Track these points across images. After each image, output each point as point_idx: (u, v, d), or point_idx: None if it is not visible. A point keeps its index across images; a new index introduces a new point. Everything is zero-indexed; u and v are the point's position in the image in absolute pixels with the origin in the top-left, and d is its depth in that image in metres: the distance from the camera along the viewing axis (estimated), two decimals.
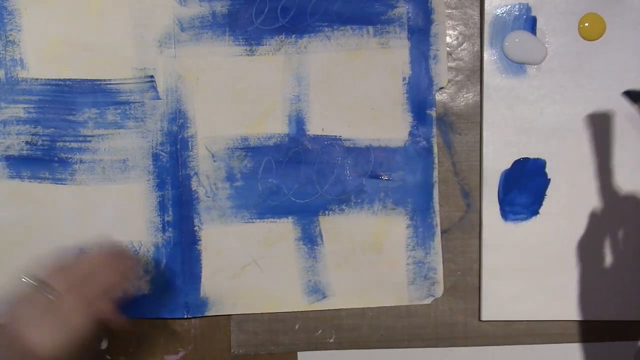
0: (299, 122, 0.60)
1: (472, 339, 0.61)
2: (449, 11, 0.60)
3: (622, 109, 0.59)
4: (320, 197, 0.60)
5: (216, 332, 0.61)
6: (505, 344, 0.61)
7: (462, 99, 0.60)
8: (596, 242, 0.60)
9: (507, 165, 0.60)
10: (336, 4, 0.59)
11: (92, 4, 0.59)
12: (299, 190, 0.60)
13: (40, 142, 0.60)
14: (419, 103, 0.60)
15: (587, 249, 0.60)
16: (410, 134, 0.60)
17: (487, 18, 0.59)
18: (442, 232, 0.60)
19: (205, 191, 0.60)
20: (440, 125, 0.60)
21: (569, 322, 0.61)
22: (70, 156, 0.60)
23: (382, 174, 0.60)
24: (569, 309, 0.60)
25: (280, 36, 0.59)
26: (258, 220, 0.60)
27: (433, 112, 0.60)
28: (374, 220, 0.60)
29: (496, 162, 0.60)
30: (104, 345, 0.61)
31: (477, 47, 0.60)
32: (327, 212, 0.60)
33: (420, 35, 0.59)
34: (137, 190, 0.60)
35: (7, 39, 0.59)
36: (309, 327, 0.61)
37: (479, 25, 0.60)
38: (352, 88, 0.60)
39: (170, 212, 0.60)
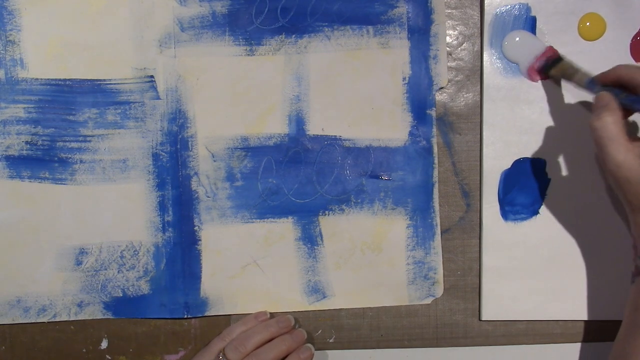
0: (299, 122, 0.60)
1: (472, 339, 0.61)
2: (449, 11, 0.60)
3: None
4: (320, 197, 0.60)
5: (216, 332, 0.60)
6: (505, 344, 0.61)
7: (462, 99, 0.60)
8: (596, 241, 0.60)
9: (507, 165, 0.60)
10: (336, 4, 0.59)
11: (92, 4, 0.59)
12: (299, 190, 0.60)
13: (40, 142, 0.60)
14: (419, 103, 0.60)
15: (587, 248, 0.60)
16: (410, 134, 0.60)
17: (487, 18, 0.59)
18: (442, 232, 0.60)
19: (205, 191, 0.60)
20: (440, 125, 0.60)
21: (569, 322, 0.61)
22: (70, 156, 0.60)
23: (382, 174, 0.60)
24: (569, 309, 0.60)
25: (280, 36, 0.59)
26: (258, 220, 0.60)
27: (433, 112, 0.60)
28: (374, 220, 0.60)
29: (496, 162, 0.60)
30: (104, 345, 0.61)
31: (477, 47, 0.60)
32: (327, 212, 0.60)
33: (420, 35, 0.59)
34: (137, 190, 0.60)
35: (7, 39, 0.59)
36: (309, 327, 0.61)
37: (479, 25, 0.60)
38: (352, 88, 0.60)
39: (170, 212, 0.60)
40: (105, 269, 0.60)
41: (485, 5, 0.59)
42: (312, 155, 0.60)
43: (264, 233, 0.60)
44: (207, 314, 0.61)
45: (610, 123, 0.50)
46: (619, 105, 0.51)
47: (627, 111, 0.52)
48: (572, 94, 0.59)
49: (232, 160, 0.60)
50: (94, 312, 0.61)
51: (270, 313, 0.60)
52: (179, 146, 0.60)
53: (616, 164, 0.49)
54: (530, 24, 0.59)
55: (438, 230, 0.60)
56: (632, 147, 0.50)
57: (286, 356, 0.57)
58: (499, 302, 0.60)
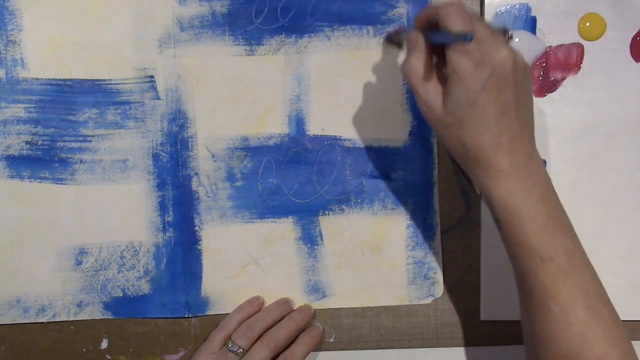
0: (299, 122, 0.60)
1: (472, 339, 0.61)
2: None
3: (623, 109, 0.59)
4: (320, 197, 0.60)
5: None
6: (505, 344, 0.61)
7: None
8: (596, 241, 0.60)
9: None
10: (336, 4, 0.59)
11: (92, 4, 0.59)
12: (299, 190, 0.60)
13: (40, 142, 0.60)
14: None
15: (586, 248, 0.60)
16: (410, 134, 0.60)
17: (487, 18, 0.59)
18: (442, 232, 0.60)
19: (205, 191, 0.60)
20: None
21: None
22: (70, 156, 0.60)
23: (382, 174, 0.60)
24: None
25: (280, 36, 0.59)
26: (258, 220, 0.60)
27: None
28: (374, 220, 0.60)
29: None
30: (104, 345, 0.61)
31: None
32: (327, 212, 0.60)
33: None
34: (137, 190, 0.60)
35: (8, 39, 0.59)
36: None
37: None
38: (352, 88, 0.60)
39: (171, 212, 0.60)
40: (105, 269, 0.60)
41: (485, 5, 0.59)
42: (312, 155, 0.60)
43: (264, 233, 0.60)
44: (207, 313, 0.61)
45: (416, 64, 0.46)
46: (426, 44, 0.46)
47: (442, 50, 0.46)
48: (571, 93, 0.59)
49: (232, 161, 0.60)
50: (94, 312, 0.61)
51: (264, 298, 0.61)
52: (179, 146, 0.60)
53: (424, 105, 0.46)
54: (530, 24, 0.59)
55: (438, 230, 0.60)
56: (440, 87, 0.46)
57: (296, 337, 0.58)
58: (499, 302, 0.60)
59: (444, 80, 0.46)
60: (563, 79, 0.59)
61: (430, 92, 0.46)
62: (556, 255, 0.45)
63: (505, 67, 0.43)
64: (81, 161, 0.60)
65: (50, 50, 0.59)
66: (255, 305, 0.59)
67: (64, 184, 0.60)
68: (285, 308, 0.59)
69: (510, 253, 0.47)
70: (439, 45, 0.46)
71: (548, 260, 0.45)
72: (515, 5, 0.59)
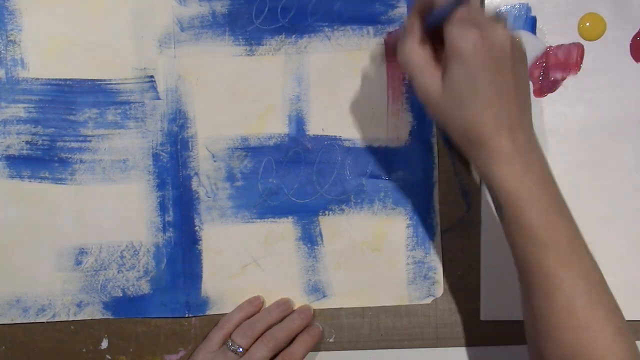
0: (299, 122, 0.60)
1: (472, 339, 0.61)
2: None
3: (623, 109, 0.59)
4: (320, 197, 0.60)
5: None
6: (505, 344, 0.61)
7: None
8: (595, 241, 0.60)
9: None
10: (336, 4, 0.59)
11: (92, 4, 0.59)
12: (299, 190, 0.60)
13: (40, 142, 0.60)
14: (419, 103, 0.60)
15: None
16: (410, 134, 0.60)
17: None
18: (442, 232, 0.60)
19: (205, 191, 0.60)
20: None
21: None
22: (70, 156, 0.60)
23: (382, 174, 0.60)
24: None
25: (281, 36, 0.59)
26: (258, 220, 0.60)
27: None
28: (374, 220, 0.60)
29: None
30: (104, 345, 0.61)
31: None
32: (327, 212, 0.60)
33: None
34: (137, 190, 0.60)
35: (8, 39, 0.59)
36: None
37: None
38: (352, 88, 0.60)
39: (171, 212, 0.60)
40: (105, 269, 0.60)
41: (485, 5, 0.59)
42: (312, 155, 0.60)
43: (264, 233, 0.60)
44: (207, 313, 0.61)
45: (411, 46, 0.46)
46: (421, 28, 0.47)
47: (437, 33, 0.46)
48: (571, 92, 0.59)
49: (232, 161, 0.60)
50: (93, 312, 0.61)
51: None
52: (179, 146, 0.60)
53: (423, 90, 0.46)
54: (530, 24, 0.59)
55: (438, 230, 0.60)
56: (437, 71, 0.46)
57: (295, 337, 0.58)
58: (499, 302, 0.60)
59: (440, 65, 0.46)
60: (563, 79, 0.59)
61: (427, 76, 0.46)
62: (559, 242, 0.45)
63: (504, 46, 0.44)
64: (81, 161, 0.60)
65: (50, 50, 0.59)
66: (255, 305, 0.59)
67: (64, 184, 0.60)
68: (285, 308, 0.59)
69: (512, 241, 0.46)
70: (433, 29, 0.46)
71: (551, 247, 0.44)
72: (515, 5, 0.59)
